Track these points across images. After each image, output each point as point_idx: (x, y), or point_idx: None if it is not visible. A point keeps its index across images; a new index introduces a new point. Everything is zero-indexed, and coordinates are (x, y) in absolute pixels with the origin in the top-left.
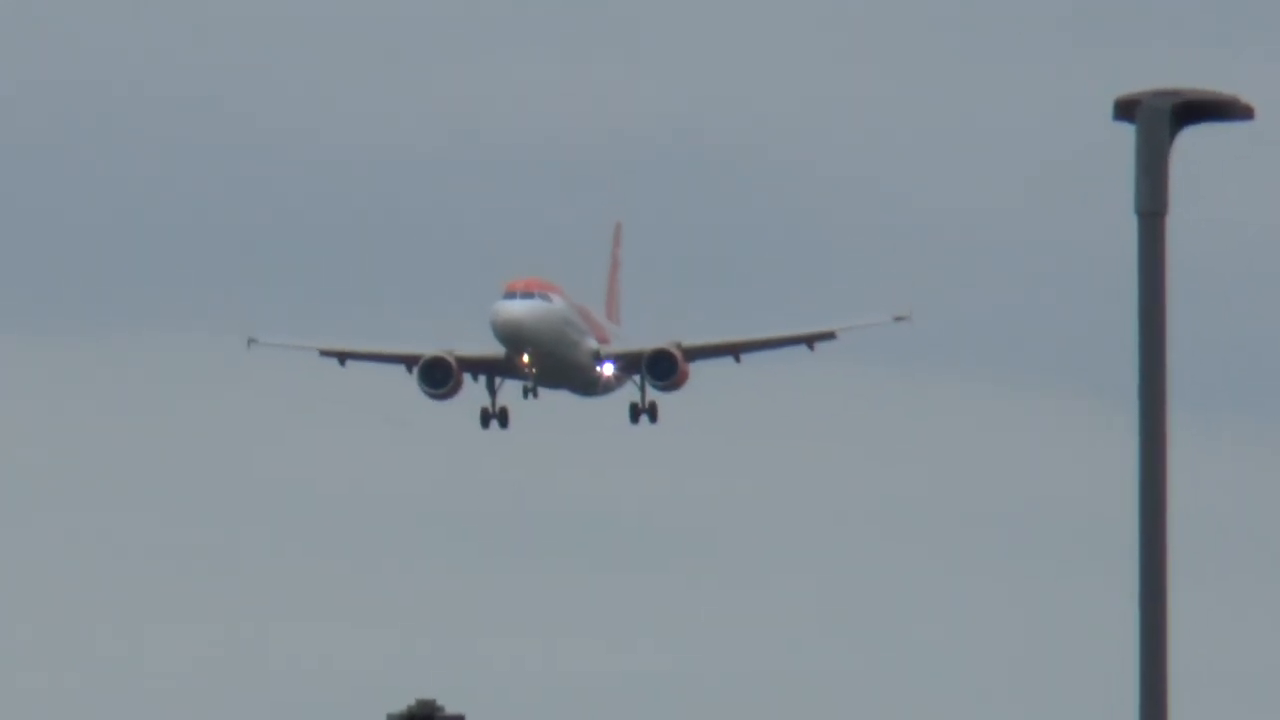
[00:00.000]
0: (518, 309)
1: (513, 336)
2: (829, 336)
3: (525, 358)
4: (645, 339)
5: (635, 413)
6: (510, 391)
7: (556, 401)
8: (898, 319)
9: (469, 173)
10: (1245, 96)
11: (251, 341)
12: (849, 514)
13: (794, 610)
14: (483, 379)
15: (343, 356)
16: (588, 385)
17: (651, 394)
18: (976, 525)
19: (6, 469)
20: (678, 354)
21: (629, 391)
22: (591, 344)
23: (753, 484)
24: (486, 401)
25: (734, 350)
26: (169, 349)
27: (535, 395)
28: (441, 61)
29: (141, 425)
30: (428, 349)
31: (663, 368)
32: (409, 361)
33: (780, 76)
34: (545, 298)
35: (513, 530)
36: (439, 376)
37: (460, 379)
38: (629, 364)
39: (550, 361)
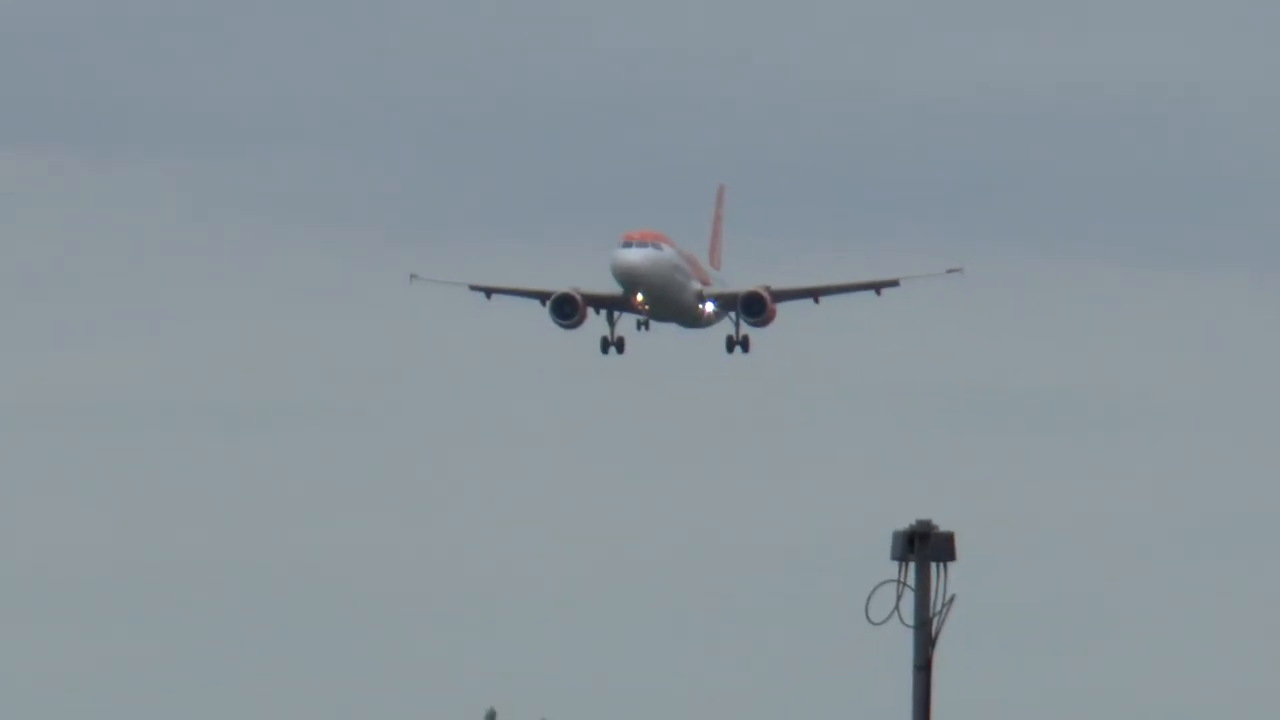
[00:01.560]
0: (634, 256)
1: (628, 280)
2: (893, 284)
3: (639, 297)
4: (743, 282)
5: (730, 344)
6: (626, 324)
7: (665, 333)
8: (950, 271)
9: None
10: None
11: (413, 277)
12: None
13: None
14: (604, 313)
15: (489, 291)
16: (692, 320)
17: (745, 329)
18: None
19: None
20: (766, 295)
21: (726, 325)
22: (696, 286)
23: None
24: (606, 332)
25: (814, 293)
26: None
27: (647, 328)
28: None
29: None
30: (559, 287)
31: (755, 307)
32: (543, 297)
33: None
34: (657, 247)
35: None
36: (567, 310)
37: (585, 313)
38: (726, 303)
39: (660, 300)
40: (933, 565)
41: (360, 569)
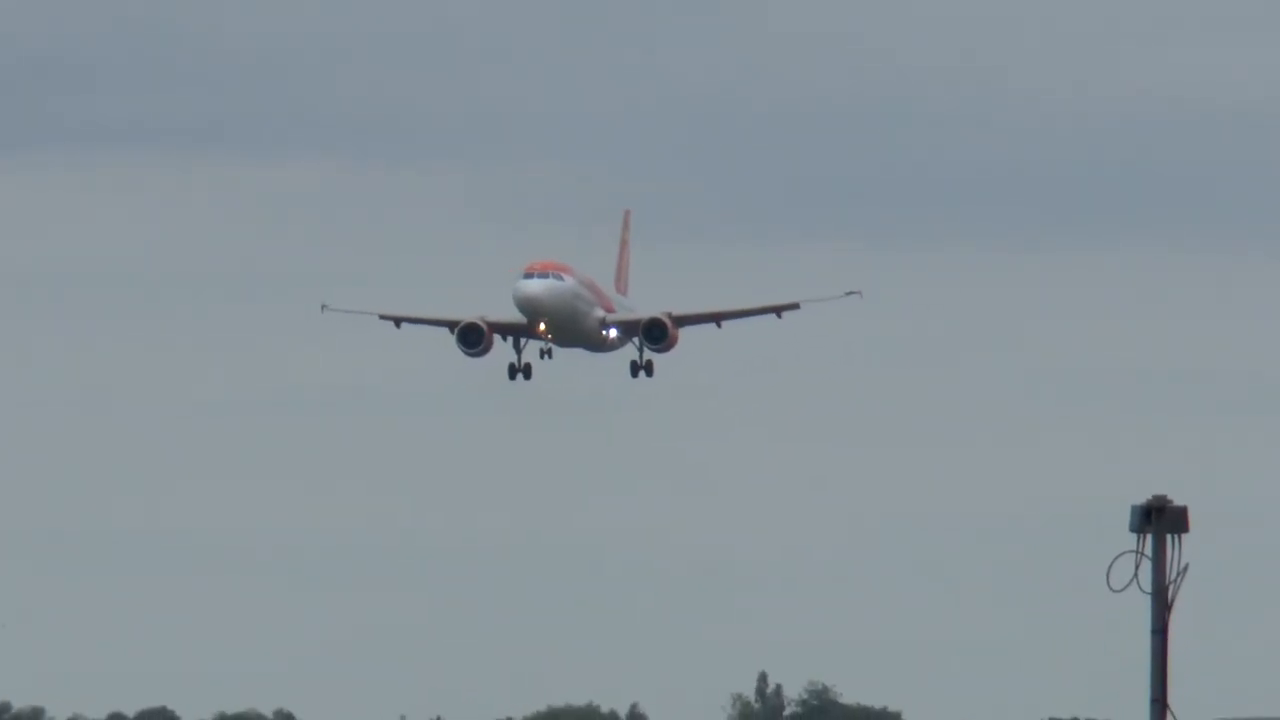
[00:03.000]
0: (534, 287)
1: (530, 310)
2: (794, 307)
3: (541, 326)
4: (647, 308)
5: (635, 369)
6: (533, 350)
7: (571, 358)
8: (849, 294)
9: None
10: None
11: (324, 307)
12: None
13: None
14: (510, 340)
15: (398, 320)
16: (596, 346)
17: (648, 354)
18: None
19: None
20: (668, 322)
21: (631, 350)
22: (599, 313)
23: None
24: (514, 358)
25: (716, 318)
26: None
27: (550, 356)
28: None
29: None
30: (466, 316)
31: (656, 333)
32: (450, 325)
33: None
34: (558, 277)
35: None
36: (473, 339)
37: (491, 341)
38: (629, 329)
39: (563, 328)
40: (1168, 537)
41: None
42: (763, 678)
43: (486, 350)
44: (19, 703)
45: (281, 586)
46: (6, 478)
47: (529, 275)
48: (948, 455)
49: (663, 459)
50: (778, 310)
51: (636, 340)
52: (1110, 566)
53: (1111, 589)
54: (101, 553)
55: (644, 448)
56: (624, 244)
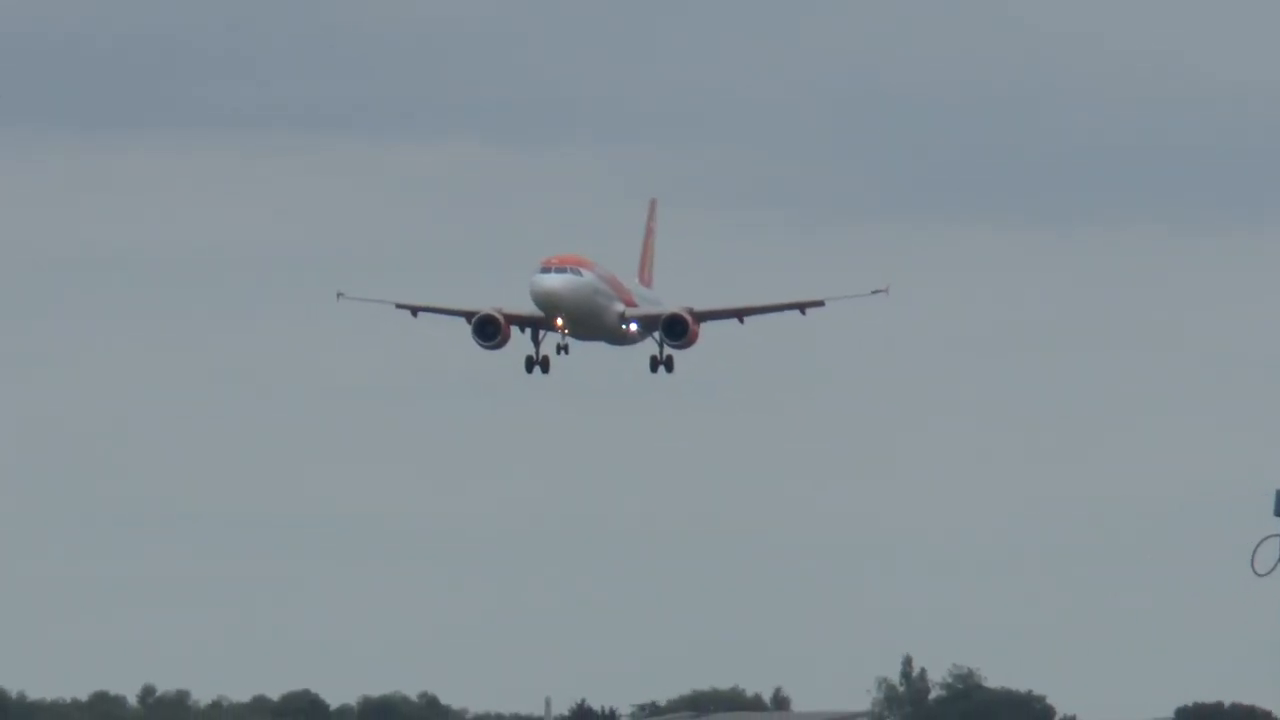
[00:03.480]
0: (552, 282)
1: (548, 305)
2: (819, 304)
3: (559, 321)
4: (676, 298)
5: (654, 364)
6: (550, 343)
7: (591, 351)
8: (876, 291)
9: None
10: None
11: (340, 295)
12: None
13: None
14: (529, 332)
15: (414, 309)
16: (618, 340)
17: (668, 349)
18: None
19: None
20: (688, 317)
21: (651, 344)
22: (618, 307)
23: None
24: (531, 351)
25: (739, 314)
26: None
27: (566, 352)
28: None
29: None
30: (483, 306)
31: (676, 329)
32: (468, 316)
33: None
34: (576, 271)
35: None
36: (490, 331)
37: (508, 333)
38: (649, 324)
39: (581, 323)
40: None
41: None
42: (907, 661)
43: (503, 343)
44: (163, 686)
45: (426, 570)
46: (140, 460)
47: (546, 270)
48: (1090, 442)
49: (814, 445)
50: (802, 307)
51: (657, 335)
52: (1255, 551)
53: (1256, 573)
54: (242, 538)
55: (793, 434)
56: (649, 233)
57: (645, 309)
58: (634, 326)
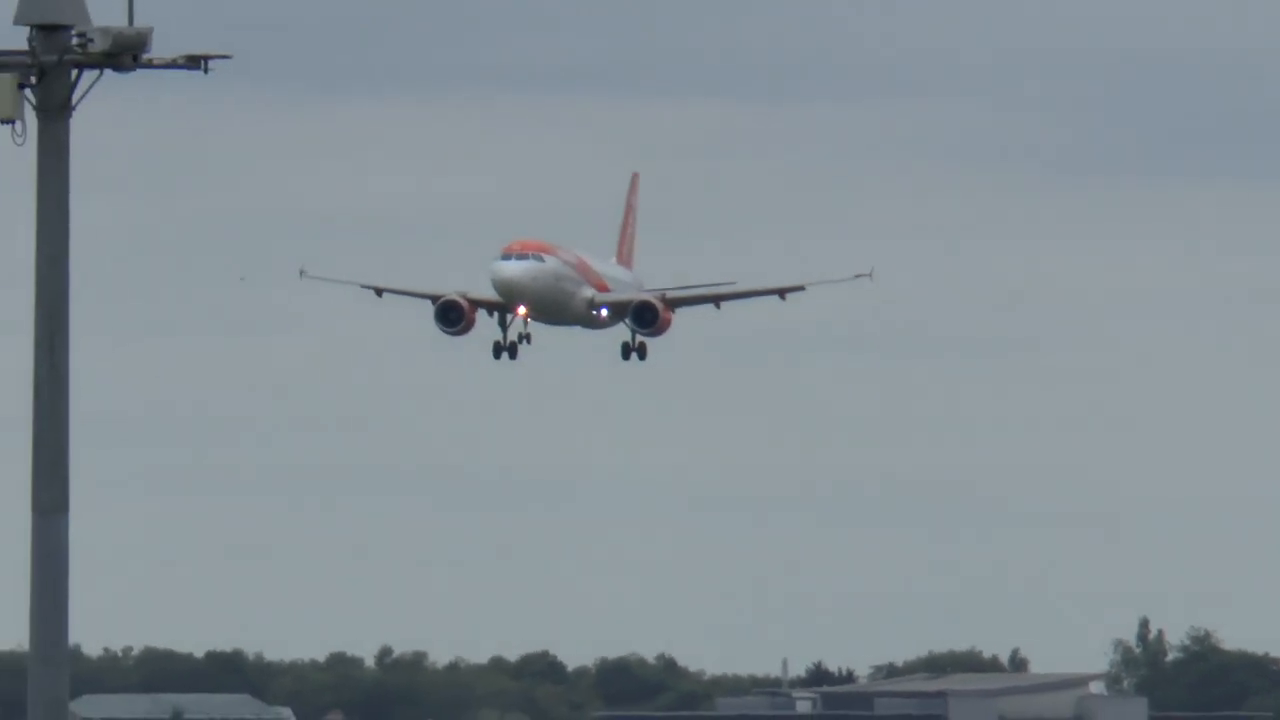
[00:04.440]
0: (512, 269)
1: (508, 293)
2: (799, 289)
3: (522, 309)
4: (656, 284)
5: (626, 351)
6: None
7: (562, 335)
8: (859, 276)
9: None
10: None
11: (302, 273)
12: None
13: None
14: (495, 316)
15: (379, 290)
16: (590, 324)
17: (641, 336)
18: None
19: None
20: (659, 304)
21: (623, 330)
22: (587, 293)
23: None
24: (499, 336)
25: (715, 299)
26: None
27: (528, 341)
28: None
29: None
30: (447, 290)
31: (645, 317)
32: (432, 299)
33: None
34: (538, 258)
35: None
36: (453, 316)
37: (472, 319)
38: (619, 310)
39: (546, 310)
40: None
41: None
42: (1144, 624)
43: (467, 329)
44: (401, 647)
45: (663, 532)
46: (385, 423)
47: (507, 256)
48: None
49: (1053, 406)
50: (781, 292)
51: (628, 321)
52: None
53: None
54: (481, 499)
55: (1018, 395)
56: (629, 209)
57: (615, 295)
58: (604, 313)
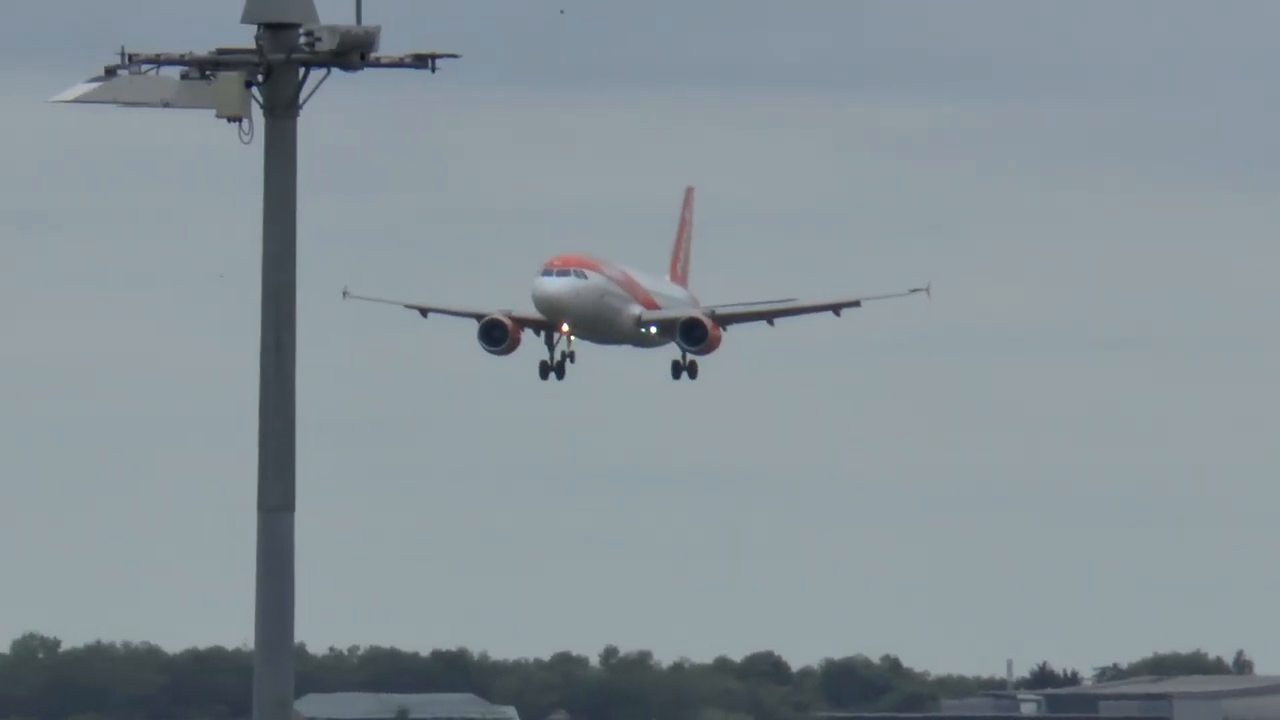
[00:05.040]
0: (554, 286)
1: (551, 310)
2: (854, 304)
3: (565, 326)
4: (712, 300)
5: (676, 369)
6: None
7: (609, 356)
8: (914, 290)
9: None
10: None
11: (345, 294)
12: None
13: None
14: (544, 335)
15: (424, 310)
16: (639, 342)
17: (690, 354)
18: None
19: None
20: (707, 322)
21: (674, 348)
22: (634, 310)
23: None
24: (546, 355)
25: (767, 316)
26: None
27: (572, 360)
28: None
29: None
30: (491, 309)
31: (694, 334)
32: (476, 317)
33: None
34: (581, 274)
35: None
36: (497, 335)
37: (517, 338)
38: (667, 328)
39: (590, 328)
40: None
41: None
42: None
43: (512, 348)
44: (626, 647)
45: (887, 533)
46: (617, 419)
47: (548, 272)
48: None
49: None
50: (836, 308)
51: (677, 339)
52: None
53: None
54: (701, 499)
55: (1254, 392)
56: (684, 224)
57: (663, 312)
58: (653, 330)
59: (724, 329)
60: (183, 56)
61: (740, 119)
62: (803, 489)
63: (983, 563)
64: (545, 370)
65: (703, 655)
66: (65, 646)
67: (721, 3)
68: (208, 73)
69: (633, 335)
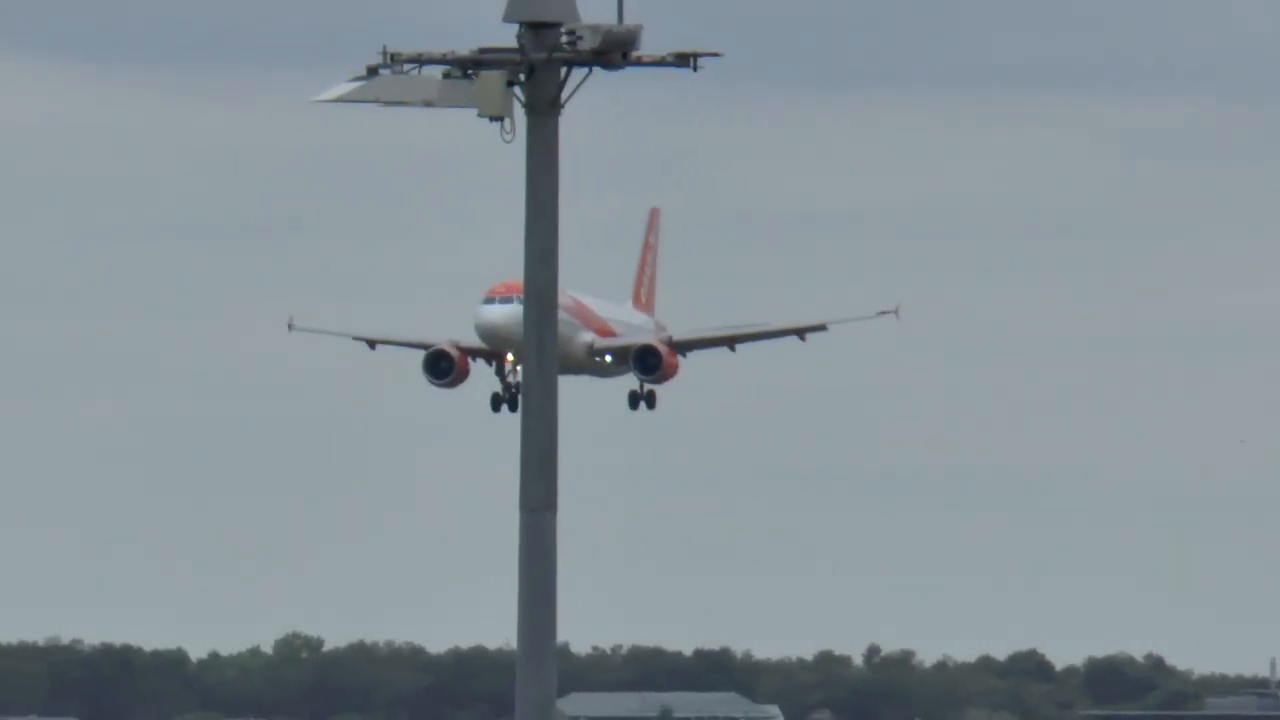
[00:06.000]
0: (495, 314)
1: (494, 339)
2: (820, 329)
3: (510, 356)
4: (682, 326)
5: (634, 399)
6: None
7: (564, 386)
8: (881, 313)
9: None
10: None
11: (291, 326)
12: None
13: None
14: (494, 365)
15: (371, 342)
16: (595, 372)
17: (647, 384)
18: None
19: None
20: (663, 349)
21: (631, 378)
22: (586, 337)
23: None
24: (498, 387)
25: (729, 341)
26: None
27: (517, 391)
28: None
29: None
30: (437, 340)
31: (648, 362)
32: (424, 348)
33: None
34: (524, 301)
35: None
36: (444, 367)
37: (465, 369)
38: (621, 356)
39: None
40: None
41: None
42: None
43: (460, 380)
44: (888, 646)
45: (1152, 530)
46: (885, 428)
47: (490, 300)
48: None
49: None
50: (801, 332)
51: (631, 368)
52: None
53: None
54: (967, 497)
55: None
56: (647, 248)
57: (617, 340)
58: (608, 358)
59: (683, 356)
60: (444, 56)
61: (985, 120)
62: (1068, 488)
63: (1247, 560)
64: (498, 402)
65: (966, 654)
66: (328, 646)
67: (957, 5)
68: (469, 72)
69: (587, 364)
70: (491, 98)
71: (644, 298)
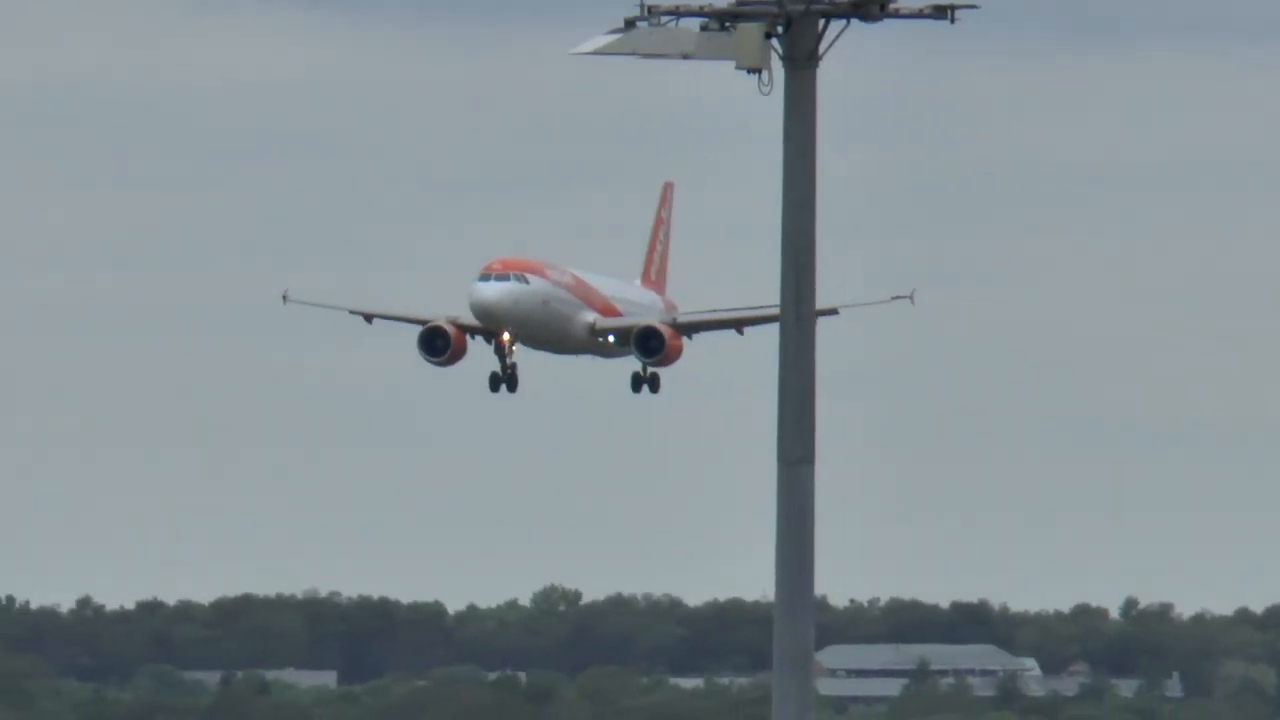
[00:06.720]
0: (490, 292)
1: (488, 318)
2: (831, 312)
3: (505, 335)
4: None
5: (637, 382)
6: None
7: (565, 367)
8: (896, 298)
9: None
10: None
11: (285, 298)
12: None
13: None
14: (494, 344)
15: (368, 316)
16: (598, 353)
17: (650, 366)
18: None
19: None
20: (666, 331)
21: (634, 360)
22: (587, 317)
23: None
24: (496, 366)
25: (736, 324)
26: None
27: (513, 371)
28: None
29: None
30: (435, 316)
31: (650, 344)
32: (421, 324)
33: None
34: (522, 279)
35: None
36: (439, 345)
37: (461, 347)
38: (624, 337)
39: (535, 337)
40: None
41: None
42: None
43: (456, 358)
44: (1146, 598)
45: None
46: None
47: (485, 277)
48: None
49: None
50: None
51: (633, 349)
52: None
53: None
54: (1228, 448)
55: None
56: (659, 223)
57: (620, 320)
58: (611, 339)
59: (688, 338)
60: (702, 8)
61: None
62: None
63: None
64: (496, 382)
65: (1223, 607)
66: (586, 599)
67: None
68: (727, 24)
69: (589, 345)
70: (750, 50)
71: (654, 275)
